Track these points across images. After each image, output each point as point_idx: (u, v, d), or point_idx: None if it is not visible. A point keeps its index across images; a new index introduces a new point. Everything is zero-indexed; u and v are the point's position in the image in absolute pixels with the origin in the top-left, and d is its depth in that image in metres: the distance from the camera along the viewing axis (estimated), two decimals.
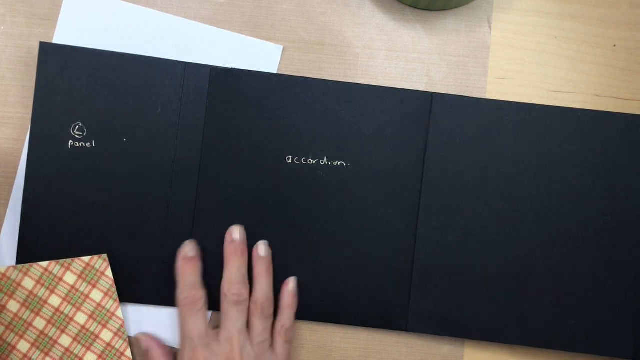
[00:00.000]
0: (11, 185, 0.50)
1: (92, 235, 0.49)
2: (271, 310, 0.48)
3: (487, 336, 0.49)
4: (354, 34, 0.51)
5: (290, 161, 0.49)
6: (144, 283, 0.49)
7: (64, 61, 0.49)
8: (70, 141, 0.49)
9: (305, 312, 0.49)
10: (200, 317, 0.47)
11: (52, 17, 0.50)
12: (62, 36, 0.50)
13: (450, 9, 0.51)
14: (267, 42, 0.51)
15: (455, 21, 0.51)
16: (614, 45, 0.51)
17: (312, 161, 0.49)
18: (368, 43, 0.51)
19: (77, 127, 0.48)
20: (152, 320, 0.50)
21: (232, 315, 0.47)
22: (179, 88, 0.49)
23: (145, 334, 0.49)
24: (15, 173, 0.50)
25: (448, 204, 0.49)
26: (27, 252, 0.49)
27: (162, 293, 0.49)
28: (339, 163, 0.49)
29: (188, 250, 0.48)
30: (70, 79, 0.49)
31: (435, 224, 0.49)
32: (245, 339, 0.47)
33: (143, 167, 0.49)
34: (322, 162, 0.49)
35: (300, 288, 0.49)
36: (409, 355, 0.50)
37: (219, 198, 0.49)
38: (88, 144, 0.49)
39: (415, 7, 0.51)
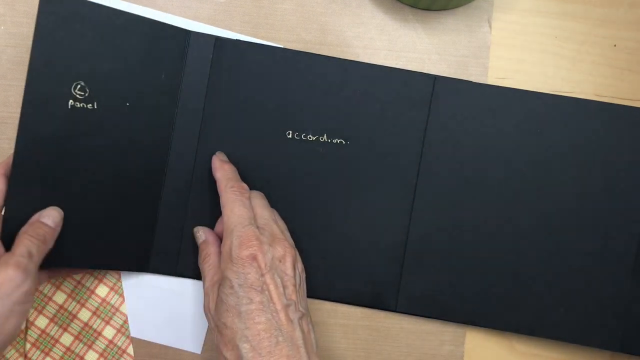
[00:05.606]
0: None
1: (85, 199, 0.46)
2: None
3: (476, 320, 0.49)
4: (354, 34, 0.51)
5: (290, 136, 0.49)
6: (136, 250, 0.49)
7: (68, 13, 0.44)
8: (71, 101, 0.45)
9: None
10: (249, 204, 0.45)
11: None
12: None
13: (450, 8, 0.51)
14: (267, 42, 0.50)
15: (455, 21, 0.51)
16: (614, 45, 0.51)
17: (312, 137, 0.49)
18: (368, 43, 0.51)
19: (79, 86, 0.45)
20: (149, 291, 0.50)
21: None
22: (182, 56, 0.49)
23: (203, 228, 0.49)
24: None
25: (445, 187, 0.49)
26: (16, 214, 0.44)
27: (155, 261, 0.49)
28: (338, 141, 0.49)
29: (223, 157, 0.48)
30: (74, 34, 0.44)
31: (430, 207, 0.49)
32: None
33: (142, 134, 0.48)
34: (322, 139, 0.49)
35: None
36: (408, 355, 0.50)
37: None
38: (89, 106, 0.45)
39: (415, 7, 0.51)
